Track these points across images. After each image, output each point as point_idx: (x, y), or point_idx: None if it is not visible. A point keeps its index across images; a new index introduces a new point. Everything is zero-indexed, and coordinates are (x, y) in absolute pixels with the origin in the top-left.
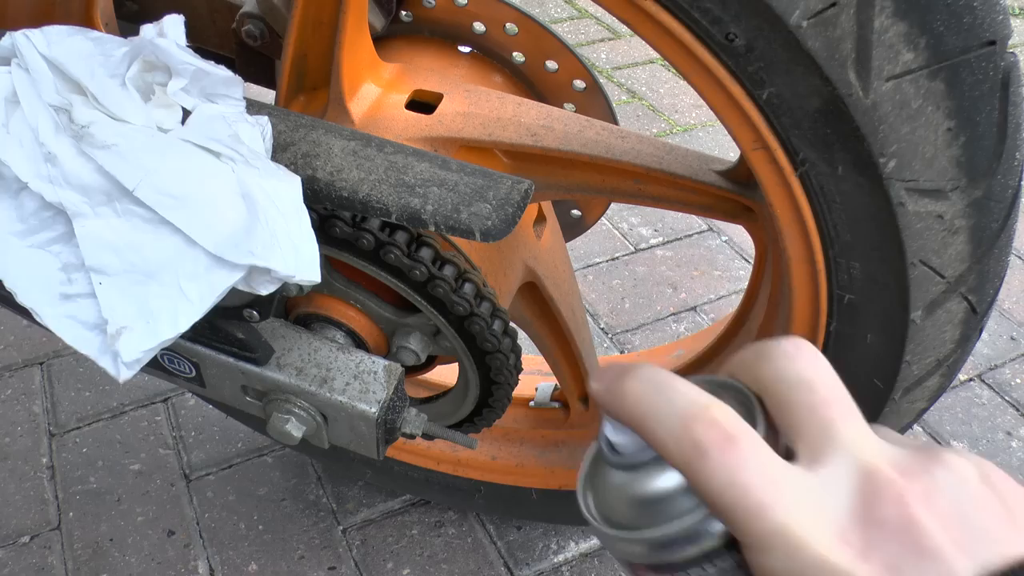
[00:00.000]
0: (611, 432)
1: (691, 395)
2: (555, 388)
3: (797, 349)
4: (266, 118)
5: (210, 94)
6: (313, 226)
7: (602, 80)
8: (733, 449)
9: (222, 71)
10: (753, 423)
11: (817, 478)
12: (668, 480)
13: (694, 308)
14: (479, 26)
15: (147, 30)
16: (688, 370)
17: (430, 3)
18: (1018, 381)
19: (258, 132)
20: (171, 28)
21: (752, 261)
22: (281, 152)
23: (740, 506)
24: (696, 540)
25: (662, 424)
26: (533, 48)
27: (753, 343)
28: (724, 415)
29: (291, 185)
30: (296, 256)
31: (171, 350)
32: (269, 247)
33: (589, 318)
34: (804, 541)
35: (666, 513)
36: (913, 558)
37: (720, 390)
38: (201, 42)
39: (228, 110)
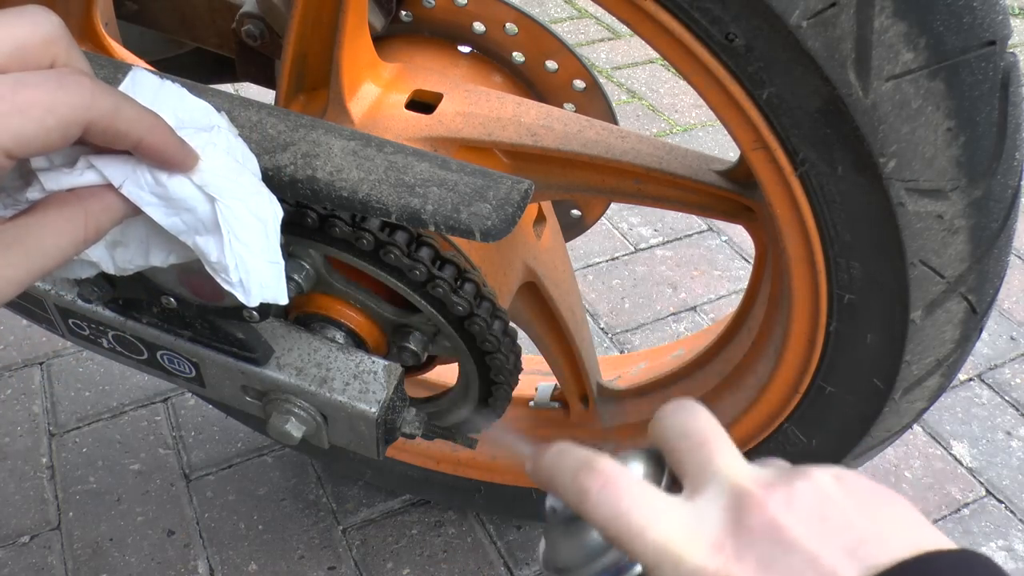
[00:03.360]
0: (551, 499)
1: (580, 454)
2: (555, 388)
3: (677, 406)
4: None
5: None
6: (312, 226)
7: (602, 80)
8: (611, 487)
9: (200, 102)
10: (660, 477)
11: (694, 504)
12: (593, 528)
13: (694, 308)
14: (479, 26)
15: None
16: (689, 369)
17: (430, 3)
18: (1018, 381)
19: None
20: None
21: (752, 261)
22: (281, 152)
23: (624, 531)
24: (620, 572)
25: (560, 480)
26: (533, 48)
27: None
28: (603, 463)
29: (256, 206)
30: (256, 284)
31: (171, 350)
32: (228, 273)
33: (589, 318)
34: (682, 555)
35: (596, 553)
36: (779, 552)
37: (643, 455)
38: (201, 42)
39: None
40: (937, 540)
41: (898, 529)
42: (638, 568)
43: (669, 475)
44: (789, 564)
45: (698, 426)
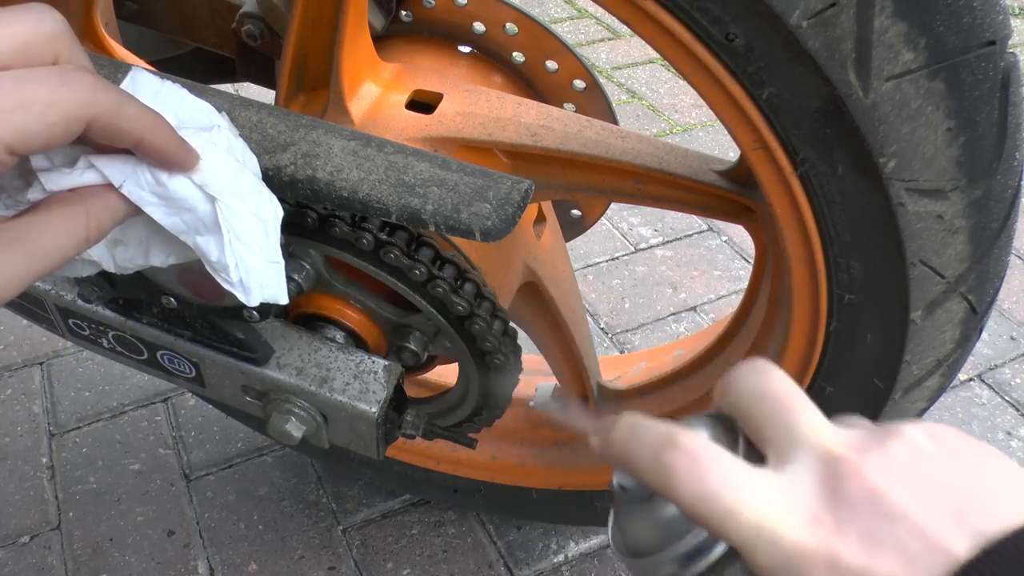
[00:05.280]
0: (618, 476)
1: (659, 429)
2: (555, 388)
3: (751, 368)
4: (240, 139)
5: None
6: (312, 226)
7: (602, 80)
8: (697, 465)
9: (201, 102)
10: (735, 445)
11: (784, 475)
12: (671, 506)
13: (694, 308)
14: (479, 26)
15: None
16: (689, 369)
17: (430, 3)
18: (1018, 381)
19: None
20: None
21: (752, 261)
22: (281, 152)
23: (714, 513)
24: (704, 552)
25: (640, 458)
26: (533, 48)
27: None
28: (687, 439)
29: (256, 206)
30: (256, 284)
31: (171, 350)
32: (228, 272)
33: (589, 318)
34: (779, 533)
35: (676, 534)
36: (883, 522)
37: (710, 421)
38: (201, 42)
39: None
40: None
41: (1004, 488)
42: (722, 547)
43: (745, 443)
44: (894, 534)
45: (775, 387)
